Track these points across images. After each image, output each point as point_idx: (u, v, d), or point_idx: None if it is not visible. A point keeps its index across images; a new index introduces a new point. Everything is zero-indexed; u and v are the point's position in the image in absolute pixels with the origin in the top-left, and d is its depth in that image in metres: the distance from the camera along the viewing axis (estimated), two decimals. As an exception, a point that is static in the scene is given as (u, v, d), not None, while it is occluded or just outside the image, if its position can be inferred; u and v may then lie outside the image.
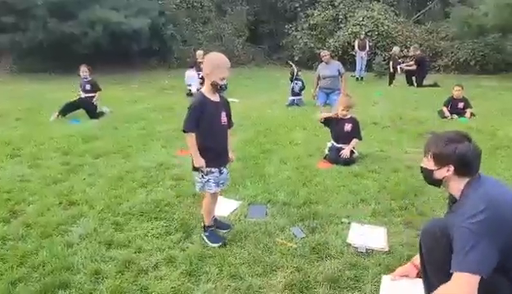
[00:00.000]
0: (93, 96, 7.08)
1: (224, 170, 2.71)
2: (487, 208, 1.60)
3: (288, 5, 19.20)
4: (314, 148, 4.95)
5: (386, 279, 2.25)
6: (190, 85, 10.01)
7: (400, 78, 11.62)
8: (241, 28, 19.64)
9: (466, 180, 1.76)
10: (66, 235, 2.79)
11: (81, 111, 6.97)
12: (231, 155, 2.76)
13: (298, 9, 18.78)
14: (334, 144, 4.55)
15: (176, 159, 4.56)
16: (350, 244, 2.65)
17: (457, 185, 1.78)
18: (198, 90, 7.16)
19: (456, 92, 7.05)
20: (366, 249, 2.58)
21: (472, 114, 6.86)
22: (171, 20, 16.96)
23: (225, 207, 3.19)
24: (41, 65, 14.93)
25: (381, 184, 3.71)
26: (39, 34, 13.10)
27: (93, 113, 6.96)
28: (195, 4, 18.38)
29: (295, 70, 8.73)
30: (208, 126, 2.53)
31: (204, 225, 2.73)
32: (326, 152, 4.56)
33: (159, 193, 3.53)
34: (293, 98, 8.46)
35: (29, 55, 14.78)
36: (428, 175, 1.87)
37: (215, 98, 2.58)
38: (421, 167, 1.91)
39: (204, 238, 2.70)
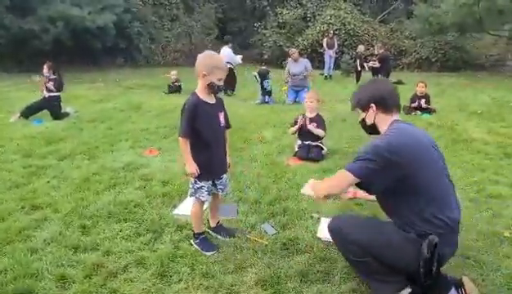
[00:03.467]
0: (57, 96, 6.78)
1: (224, 175, 2.63)
2: (397, 138, 1.89)
3: (257, 3, 19.28)
4: (284, 145, 5.01)
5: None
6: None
7: (367, 76, 11.93)
8: (210, 26, 19.54)
9: (391, 117, 2.02)
10: (30, 241, 2.68)
11: (44, 111, 6.68)
12: (227, 159, 2.64)
13: (267, 7, 18.91)
14: (303, 141, 4.62)
15: (144, 159, 4.48)
16: (320, 238, 2.71)
17: (385, 124, 2.02)
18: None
19: (420, 89, 7.35)
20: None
21: (432, 110, 7.15)
22: (137, 18, 16.60)
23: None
24: (-2, 63, 14.18)
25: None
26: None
27: (57, 113, 6.68)
28: (162, 1, 18.07)
29: (263, 71, 8.75)
30: (205, 130, 2.41)
31: (194, 233, 2.63)
32: (296, 149, 4.62)
33: (127, 195, 3.45)
34: (264, 97, 8.53)
35: (-17, 52, 14.00)
36: (364, 126, 2.14)
37: (211, 100, 2.47)
38: (359, 123, 2.16)
39: (195, 245, 2.59)
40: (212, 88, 2.43)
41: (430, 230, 1.81)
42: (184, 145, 2.42)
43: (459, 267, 2.36)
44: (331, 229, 2.11)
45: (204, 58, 2.43)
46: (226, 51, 9.59)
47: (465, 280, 2.00)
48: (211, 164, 2.49)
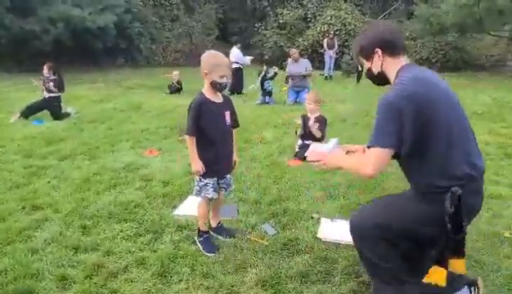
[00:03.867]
0: (57, 97, 6.79)
1: (228, 175, 2.64)
2: (411, 87, 1.67)
3: (257, 3, 19.29)
4: (285, 145, 5.01)
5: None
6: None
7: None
8: (211, 27, 19.56)
9: (400, 61, 1.82)
10: (30, 241, 2.68)
11: (44, 112, 6.69)
12: (235, 157, 2.66)
13: (268, 8, 18.92)
14: (304, 142, 4.63)
15: (145, 159, 4.48)
16: (320, 239, 2.71)
17: (394, 70, 1.81)
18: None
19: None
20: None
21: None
22: (138, 18, 16.63)
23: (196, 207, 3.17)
24: (-1, 64, 14.21)
25: (349, 180, 3.81)
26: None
27: (57, 114, 6.69)
28: (163, 2, 18.09)
29: (267, 71, 8.76)
30: (211, 128, 2.43)
31: (198, 229, 2.66)
32: (297, 149, 4.62)
33: (128, 195, 3.45)
34: (264, 97, 8.54)
35: (-16, 52, 14.04)
36: (371, 76, 1.92)
37: (217, 99, 2.49)
38: (365, 74, 1.98)
39: (198, 243, 2.61)
40: (215, 86, 2.44)
41: (452, 184, 1.65)
42: (190, 143, 2.45)
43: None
44: (351, 229, 2.00)
45: (205, 57, 2.45)
46: (235, 52, 9.76)
47: (480, 282, 1.89)
48: (216, 162, 2.50)
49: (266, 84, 8.58)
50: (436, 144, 1.68)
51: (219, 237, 2.73)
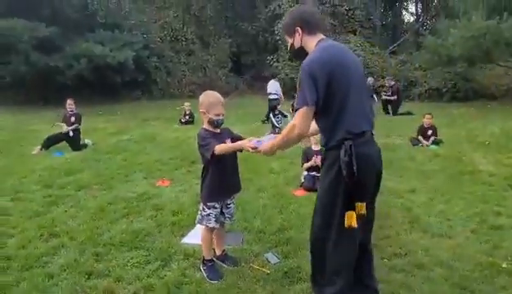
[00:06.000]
0: (78, 130, 7.20)
1: (231, 205, 2.82)
2: (321, 54, 2.00)
3: (269, 38, 19.97)
4: (291, 176, 5.16)
5: None
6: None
7: (376, 107, 12.12)
8: (224, 60, 20.23)
9: (316, 37, 2.13)
10: (47, 267, 2.87)
11: (64, 143, 7.06)
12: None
13: (279, 42, 19.54)
14: (309, 173, 4.77)
15: (157, 189, 4.70)
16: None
17: (312, 45, 2.12)
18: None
19: (427, 120, 7.45)
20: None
21: (440, 141, 7.20)
22: (155, 53, 17.41)
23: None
24: (24, 97, 15.02)
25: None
26: (21, 67, 13.26)
27: (76, 145, 7.06)
28: (179, 37, 18.93)
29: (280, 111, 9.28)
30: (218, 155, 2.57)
31: (203, 258, 2.79)
32: (302, 180, 4.77)
33: (139, 223, 3.64)
34: (274, 130, 8.85)
35: (11, 87, 14.88)
36: (292, 51, 2.23)
37: (217, 130, 2.70)
38: (289, 51, 2.28)
39: (203, 271, 2.76)
40: (212, 123, 2.66)
41: (346, 137, 1.95)
42: (219, 150, 2.52)
43: (455, 297, 2.43)
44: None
45: (202, 98, 2.70)
46: (274, 85, 10.31)
47: None
48: (220, 186, 2.66)
49: (276, 119, 9.02)
50: (334, 103, 1.98)
51: (223, 265, 2.87)
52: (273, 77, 11.21)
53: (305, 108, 1.96)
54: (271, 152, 2.25)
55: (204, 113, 2.66)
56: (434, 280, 2.63)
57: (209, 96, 2.69)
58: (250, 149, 2.37)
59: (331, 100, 1.97)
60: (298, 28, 2.13)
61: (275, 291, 2.54)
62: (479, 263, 2.82)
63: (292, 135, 2.05)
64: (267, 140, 2.31)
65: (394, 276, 2.68)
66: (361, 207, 1.98)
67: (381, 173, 2.16)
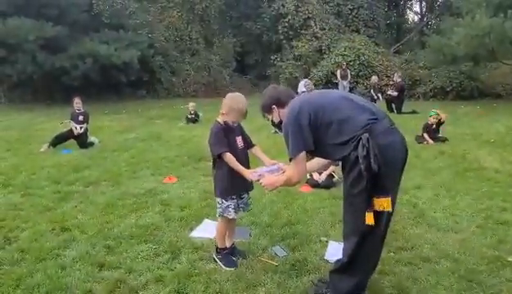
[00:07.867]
0: (85, 128, 7.29)
1: (245, 195, 2.89)
2: (291, 105, 2.25)
3: (273, 37, 20.00)
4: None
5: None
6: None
7: (382, 106, 12.13)
8: (228, 59, 20.27)
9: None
10: (60, 259, 2.93)
11: (71, 141, 7.14)
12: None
13: (283, 41, 19.57)
14: (315, 169, 4.82)
15: (164, 186, 4.75)
16: (327, 260, 2.86)
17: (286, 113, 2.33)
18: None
19: (432, 119, 7.46)
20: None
21: (445, 139, 7.22)
22: (160, 52, 17.49)
23: (212, 230, 3.37)
24: (31, 97, 15.15)
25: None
26: (28, 67, 13.39)
27: (84, 143, 7.15)
28: (184, 37, 19.00)
29: None
30: (230, 151, 2.69)
31: (217, 247, 2.88)
32: (308, 176, 4.81)
33: (148, 218, 3.71)
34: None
35: (18, 86, 15.02)
36: (273, 124, 2.53)
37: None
38: (271, 123, 2.53)
39: (217, 260, 2.83)
40: (227, 125, 2.75)
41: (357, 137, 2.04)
42: (229, 160, 2.65)
43: (461, 290, 2.47)
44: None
45: (228, 99, 2.74)
46: (307, 83, 10.41)
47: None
48: (234, 181, 2.72)
49: None
50: (332, 129, 2.12)
51: (232, 257, 2.92)
52: (303, 78, 11.28)
53: (298, 157, 2.17)
54: (272, 189, 2.46)
55: (223, 114, 2.74)
56: (440, 273, 2.67)
57: (235, 101, 2.72)
58: (254, 180, 2.56)
59: (322, 129, 2.13)
60: (274, 106, 2.42)
61: (282, 283, 2.59)
62: (485, 257, 2.86)
63: (293, 183, 2.34)
64: (270, 171, 2.53)
65: (401, 269, 2.73)
66: (387, 202, 2.03)
67: (405, 162, 2.20)
